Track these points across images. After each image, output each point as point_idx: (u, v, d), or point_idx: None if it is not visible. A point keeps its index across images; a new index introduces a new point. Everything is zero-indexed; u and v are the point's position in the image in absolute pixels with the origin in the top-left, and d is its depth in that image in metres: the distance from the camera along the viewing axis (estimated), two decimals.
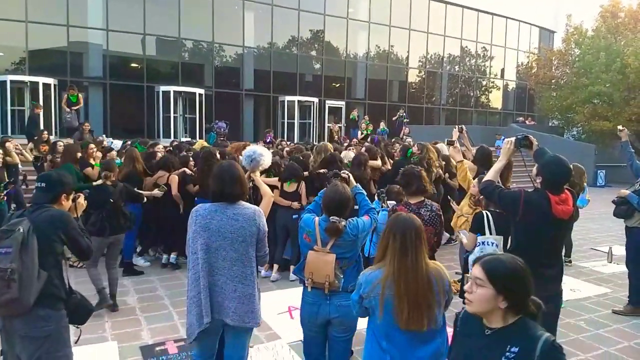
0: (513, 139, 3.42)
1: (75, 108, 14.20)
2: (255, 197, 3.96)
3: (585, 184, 7.32)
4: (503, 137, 18.94)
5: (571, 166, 3.15)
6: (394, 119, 20.97)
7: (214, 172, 3.00)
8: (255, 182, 3.88)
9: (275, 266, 6.32)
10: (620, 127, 5.60)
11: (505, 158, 3.41)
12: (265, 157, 3.95)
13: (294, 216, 5.96)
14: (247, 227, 2.83)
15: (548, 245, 3.10)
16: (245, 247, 2.84)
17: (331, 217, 2.90)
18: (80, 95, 13.14)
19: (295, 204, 6.08)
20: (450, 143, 4.97)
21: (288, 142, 12.77)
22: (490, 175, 3.37)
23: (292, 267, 6.32)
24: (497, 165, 3.41)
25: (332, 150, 7.13)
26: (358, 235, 2.97)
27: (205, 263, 2.79)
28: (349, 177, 3.40)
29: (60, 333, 2.83)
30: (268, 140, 13.71)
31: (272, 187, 6.17)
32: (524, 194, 3.09)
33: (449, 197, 5.08)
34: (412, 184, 3.72)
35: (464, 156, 6.10)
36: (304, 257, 3.02)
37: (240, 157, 5.00)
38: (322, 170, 6.18)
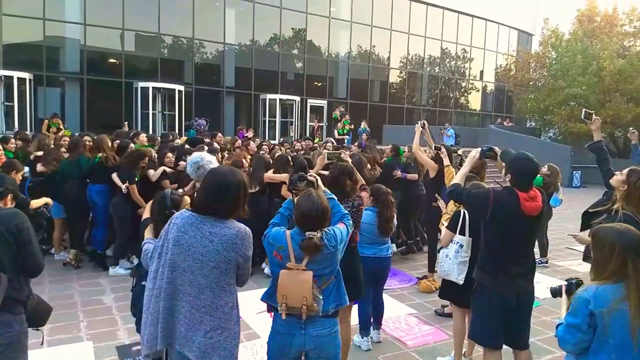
0: (479, 149, 3.54)
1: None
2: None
3: (559, 183, 7.45)
4: (449, 128, 19.27)
5: (537, 161, 3.21)
6: (333, 115, 20.20)
7: (206, 176, 2.52)
8: None
9: None
10: (631, 129, 5.57)
11: (469, 166, 3.52)
12: (214, 164, 3.69)
13: None
14: (223, 252, 2.31)
15: (518, 242, 3.15)
16: (217, 274, 2.32)
17: (307, 232, 2.50)
18: (61, 123, 12.46)
19: None
20: (437, 149, 5.14)
21: (271, 142, 12.64)
22: (457, 179, 3.46)
23: None
24: (462, 170, 3.53)
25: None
26: (337, 247, 2.58)
27: (167, 283, 2.33)
28: (317, 180, 2.83)
29: (20, 339, 2.68)
30: (241, 136, 13.46)
31: (283, 183, 6.18)
32: (493, 193, 3.14)
33: (437, 195, 5.12)
34: (335, 187, 3.58)
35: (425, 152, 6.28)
36: (274, 279, 2.60)
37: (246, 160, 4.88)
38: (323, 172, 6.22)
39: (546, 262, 7.45)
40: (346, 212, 2.83)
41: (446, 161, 4.96)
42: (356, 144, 10.53)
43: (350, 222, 2.79)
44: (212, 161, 3.66)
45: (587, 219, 3.78)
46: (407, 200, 7.24)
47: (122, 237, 6.20)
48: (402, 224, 7.47)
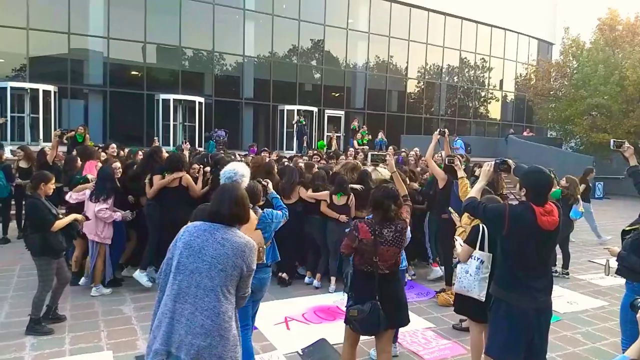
0: (493, 162, 3.55)
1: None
2: None
3: (579, 195, 7.34)
4: (457, 139, 19.02)
5: (550, 174, 3.21)
6: (293, 122, 20.07)
7: (216, 191, 2.79)
8: None
9: (333, 278, 6.32)
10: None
11: (485, 180, 3.51)
12: (246, 177, 3.72)
13: (346, 230, 5.97)
14: (232, 257, 2.47)
15: (535, 257, 3.11)
16: (223, 278, 2.45)
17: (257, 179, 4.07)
18: (88, 136, 12.61)
19: (343, 217, 6.12)
20: (451, 161, 5.13)
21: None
22: (473, 193, 3.46)
23: (332, 279, 6.33)
24: (478, 185, 3.52)
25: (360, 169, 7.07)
26: (273, 220, 3.82)
27: (177, 285, 2.44)
28: (267, 184, 4.13)
29: None
30: (249, 153, 13.58)
31: (321, 200, 6.29)
32: (509, 207, 3.13)
33: (450, 209, 5.05)
34: (379, 212, 3.47)
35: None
36: None
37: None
38: (357, 186, 6.33)
39: (567, 275, 7.34)
40: (284, 206, 4.10)
41: (460, 173, 4.91)
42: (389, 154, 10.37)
43: (287, 213, 4.04)
44: (244, 174, 3.66)
45: (623, 236, 3.81)
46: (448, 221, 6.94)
47: (152, 244, 6.05)
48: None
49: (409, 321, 3.62)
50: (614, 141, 4.38)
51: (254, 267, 2.60)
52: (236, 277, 2.50)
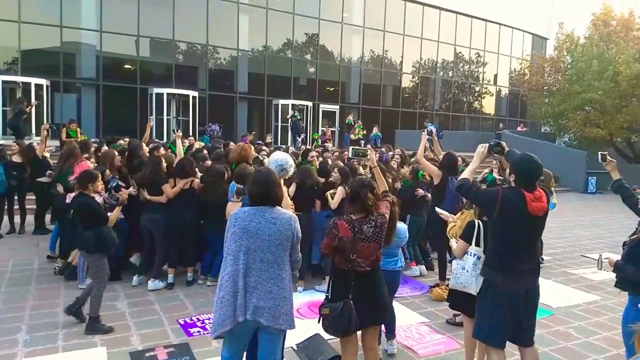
0: (487, 144, 3.64)
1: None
2: None
3: (552, 188, 7.41)
4: (430, 124, 18.85)
5: (540, 162, 3.27)
6: (288, 116, 19.91)
7: (254, 177, 3.17)
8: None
9: (327, 277, 6.06)
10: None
11: (479, 161, 3.62)
12: (293, 166, 4.04)
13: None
14: (284, 231, 2.97)
15: (524, 241, 3.22)
16: (281, 250, 2.97)
17: (237, 185, 4.96)
18: (79, 130, 12.37)
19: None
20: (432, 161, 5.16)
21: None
22: (466, 174, 3.56)
23: (326, 278, 6.18)
24: (471, 166, 3.64)
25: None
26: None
27: (243, 264, 2.90)
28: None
29: None
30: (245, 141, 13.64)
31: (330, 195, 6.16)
32: (501, 191, 3.22)
33: (436, 208, 4.99)
34: (356, 203, 3.38)
35: (433, 160, 6.19)
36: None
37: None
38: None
39: (542, 261, 7.30)
40: None
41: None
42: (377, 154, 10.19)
43: None
44: (292, 165, 4.00)
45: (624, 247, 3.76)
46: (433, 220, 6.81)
47: (161, 254, 6.03)
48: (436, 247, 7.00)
49: (390, 318, 3.59)
50: (601, 154, 4.40)
51: (300, 235, 3.08)
52: (289, 246, 3.03)
